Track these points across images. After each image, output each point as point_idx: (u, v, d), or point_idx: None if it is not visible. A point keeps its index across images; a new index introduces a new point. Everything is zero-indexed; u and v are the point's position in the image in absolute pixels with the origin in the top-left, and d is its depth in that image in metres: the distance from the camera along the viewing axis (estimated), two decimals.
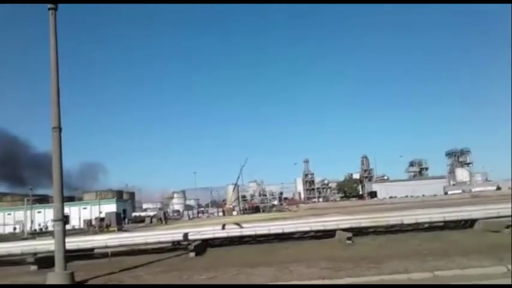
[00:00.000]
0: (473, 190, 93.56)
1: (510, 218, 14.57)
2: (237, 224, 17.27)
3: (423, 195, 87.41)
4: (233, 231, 16.16)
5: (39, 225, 72.12)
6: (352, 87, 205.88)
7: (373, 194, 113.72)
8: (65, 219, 10.89)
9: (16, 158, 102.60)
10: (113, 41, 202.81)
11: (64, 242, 10.37)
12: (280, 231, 16.05)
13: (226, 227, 16.93)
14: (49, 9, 10.89)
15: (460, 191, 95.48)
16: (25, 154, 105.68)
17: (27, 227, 63.24)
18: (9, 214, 75.56)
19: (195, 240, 15.28)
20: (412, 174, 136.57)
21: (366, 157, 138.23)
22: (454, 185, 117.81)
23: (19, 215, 72.19)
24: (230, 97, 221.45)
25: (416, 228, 16.64)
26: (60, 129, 10.78)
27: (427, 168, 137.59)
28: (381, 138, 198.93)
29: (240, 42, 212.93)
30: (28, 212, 66.13)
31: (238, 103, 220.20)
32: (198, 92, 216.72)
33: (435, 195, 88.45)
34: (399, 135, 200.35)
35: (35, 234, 49.55)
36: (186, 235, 15.66)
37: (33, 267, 13.77)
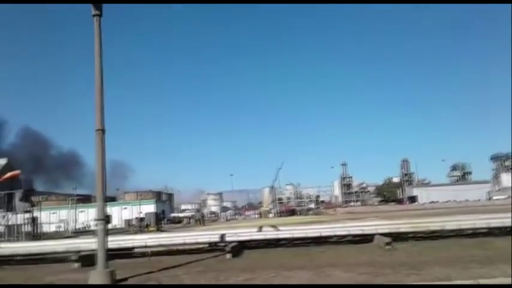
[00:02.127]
0: None
1: None
2: (274, 226, 17.29)
3: (466, 200, 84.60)
4: (269, 233, 16.18)
5: (82, 224, 74.37)
6: (394, 89, 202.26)
7: (413, 199, 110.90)
8: (107, 219, 11.20)
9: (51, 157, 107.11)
10: (146, 41, 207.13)
11: (106, 241, 10.67)
12: (317, 234, 15.92)
13: (263, 229, 16.96)
14: (93, 15, 11.26)
15: (505, 197, 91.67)
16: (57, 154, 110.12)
17: (71, 226, 65.36)
18: (53, 213, 78.02)
19: (231, 242, 15.37)
20: (455, 178, 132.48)
21: (406, 160, 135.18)
22: (498, 190, 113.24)
23: (63, 214, 74.70)
24: (268, 99, 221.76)
25: (458, 234, 16.10)
26: (103, 131, 11.10)
27: (470, 173, 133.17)
28: (423, 142, 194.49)
29: (282, 42, 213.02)
30: (71, 211, 68.37)
31: (276, 105, 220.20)
32: (235, 94, 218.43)
33: (479, 200, 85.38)
34: (442, 139, 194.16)
35: (78, 233, 51.16)
36: (222, 236, 15.78)
37: (76, 265, 14.21)
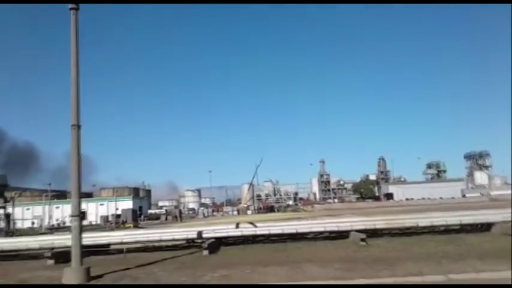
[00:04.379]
0: (492, 193, 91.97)
1: None
2: (251, 223, 17.32)
3: (441, 198, 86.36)
4: (247, 230, 16.21)
5: (57, 220, 73.10)
6: (370, 87, 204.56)
7: (389, 196, 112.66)
8: (82, 215, 11.08)
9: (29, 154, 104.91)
10: (128, 41, 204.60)
11: (80, 238, 10.55)
12: (294, 231, 16.04)
13: (240, 225, 16.98)
14: (70, 9, 11.08)
15: (478, 194, 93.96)
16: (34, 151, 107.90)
17: (45, 222, 64.24)
18: (27, 209, 76.75)
19: (208, 239, 15.36)
20: (430, 176, 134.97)
21: (382, 158, 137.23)
22: (472, 188, 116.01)
23: (38, 210, 73.29)
24: (246, 96, 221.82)
25: (432, 231, 16.46)
26: (79, 127, 10.96)
27: (445, 171, 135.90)
28: (399, 140, 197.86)
29: (259, 44, 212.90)
30: (46, 207, 67.17)
31: (254, 102, 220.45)
32: (213, 92, 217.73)
33: (453, 198, 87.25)
34: (417, 137, 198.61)
35: (53, 229, 50.34)
36: (200, 233, 15.75)
37: (50, 262, 14.00)
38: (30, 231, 44.26)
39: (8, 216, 47.44)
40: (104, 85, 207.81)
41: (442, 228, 16.62)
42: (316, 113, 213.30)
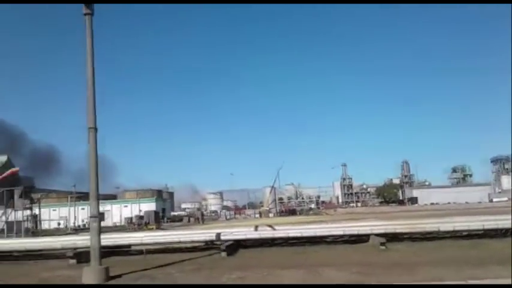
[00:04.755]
0: None
1: None
2: (270, 225, 17.27)
3: (466, 203, 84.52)
4: (265, 232, 16.16)
5: (83, 221, 74.40)
6: (395, 90, 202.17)
7: (413, 200, 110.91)
8: (100, 216, 11.26)
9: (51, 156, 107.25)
10: (147, 41, 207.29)
11: (99, 238, 10.73)
12: (312, 234, 15.93)
13: (259, 228, 16.95)
14: (85, 14, 11.28)
15: (506, 199, 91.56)
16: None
17: (71, 223, 65.46)
18: (54, 210, 78.11)
19: (227, 241, 15.39)
20: (455, 180, 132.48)
21: (406, 162, 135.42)
22: (499, 192, 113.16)
23: (64, 211, 74.63)
24: (269, 98, 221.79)
25: (454, 236, 16.09)
26: (96, 129, 11.15)
27: (471, 175, 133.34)
28: (423, 144, 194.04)
29: (282, 41, 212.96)
30: (72, 209, 68.44)
31: (278, 104, 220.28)
32: (236, 94, 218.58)
33: (480, 202, 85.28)
34: (443, 141, 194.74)
35: (78, 230, 51.27)
36: (218, 235, 15.79)
37: (72, 261, 14.26)
38: (56, 232, 45.20)
39: (35, 217, 48.53)
40: (127, 88, 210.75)
41: (464, 233, 16.25)
42: (339, 116, 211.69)
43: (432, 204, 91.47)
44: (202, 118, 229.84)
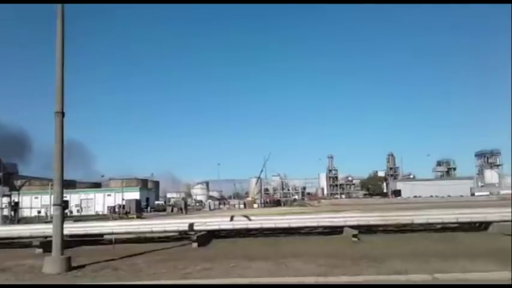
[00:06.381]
0: (501, 192, 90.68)
1: None
2: (246, 216, 17.13)
3: (449, 196, 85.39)
4: (239, 223, 16.02)
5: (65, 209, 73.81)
6: (380, 83, 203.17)
7: (397, 193, 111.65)
8: (64, 204, 10.97)
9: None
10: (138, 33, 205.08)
11: (62, 227, 10.47)
12: (286, 225, 15.83)
13: (235, 219, 16.80)
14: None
15: (488, 193, 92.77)
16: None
17: (51, 211, 64.73)
18: (36, 198, 77.36)
19: (200, 231, 15.21)
20: (440, 174, 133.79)
21: (391, 155, 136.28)
22: (482, 186, 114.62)
23: (46, 198, 73.78)
24: (255, 91, 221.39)
25: (428, 228, 16.14)
26: (63, 114, 10.82)
27: (455, 169, 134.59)
28: (409, 138, 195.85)
29: (270, 36, 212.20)
30: (53, 196, 67.62)
31: (264, 96, 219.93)
32: (222, 84, 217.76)
33: (462, 196, 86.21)
34: (428, 135, 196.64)
35: None
36: (191, 225, 15.60)
37: (39, 251, 13.96)
38: (35, 220, 44.59)
39: (16, 205, 47.82)
40: (119, 77, 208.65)
41: (439, 226, 16.30)
42: (326, 108, 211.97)
43: (415, 197, 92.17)
44: (190, 109, 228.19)
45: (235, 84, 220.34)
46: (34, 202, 74.42)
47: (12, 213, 44.24)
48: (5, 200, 42.74)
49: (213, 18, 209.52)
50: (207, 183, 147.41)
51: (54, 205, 10.59)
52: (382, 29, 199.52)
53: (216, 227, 15.97)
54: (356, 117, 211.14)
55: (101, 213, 71.10)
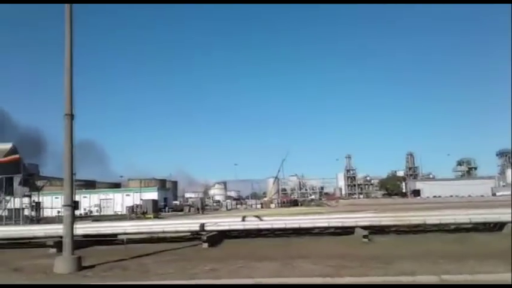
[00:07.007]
0: None
1: None
2: (257, 216, 17.17)
3: (469, 196, 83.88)
4: (250, 224, 16.05)
5: (85, 209, 74.83)
6: (400, 83, 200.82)
7: (416, 193, 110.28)
8: (74, 205, 11.16)
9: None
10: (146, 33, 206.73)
11: (72, 227, 10.62)
12: (296, 226, 15.81)
13: (246, 219, 16.84)
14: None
15: (509, 193, 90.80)
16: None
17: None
18: (56, 198, 78.53)
19: (211, 231, 15.29)
20: (460, 173, 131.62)
21: (411, 154, 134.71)
22: (504, 186, 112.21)
23: None
24: (274, 89, 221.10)
25: (441, 229, 15.90)
26: (72, 116, 10.99)
27: (475, 168, 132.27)
28: (429, 137, 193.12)
29: (284, 36, 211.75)
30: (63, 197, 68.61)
31: (282, 96, 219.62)
32: (241, 84, 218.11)
33: (482, 196, 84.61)
34: (448, 134, 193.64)
35: (78, 218, 51.42)
36: (202, 225, 15.68)
37: (53, 250, 14.19)
38: (56, 220, 45.34)
39: (38, 205, 48.66)
40: (138, 78, 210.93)
41: (452, 227, 16.05)
42: (344, 108, 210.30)
43: (435, 197, 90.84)
44: (208, 109, 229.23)
45: (254, 84, 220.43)
46: (55, 202, 75.71)
47: (33, 213, 45.03)
48: (26, 200, 43.52)
49: (220, 17, 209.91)
50: (225, 184, 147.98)
51: (64, 206, 10.78)
52: (404, 28, 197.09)
53: (227, 227, 16.03)
54: (375, 117, 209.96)
55: (120, 213, 72.00)
